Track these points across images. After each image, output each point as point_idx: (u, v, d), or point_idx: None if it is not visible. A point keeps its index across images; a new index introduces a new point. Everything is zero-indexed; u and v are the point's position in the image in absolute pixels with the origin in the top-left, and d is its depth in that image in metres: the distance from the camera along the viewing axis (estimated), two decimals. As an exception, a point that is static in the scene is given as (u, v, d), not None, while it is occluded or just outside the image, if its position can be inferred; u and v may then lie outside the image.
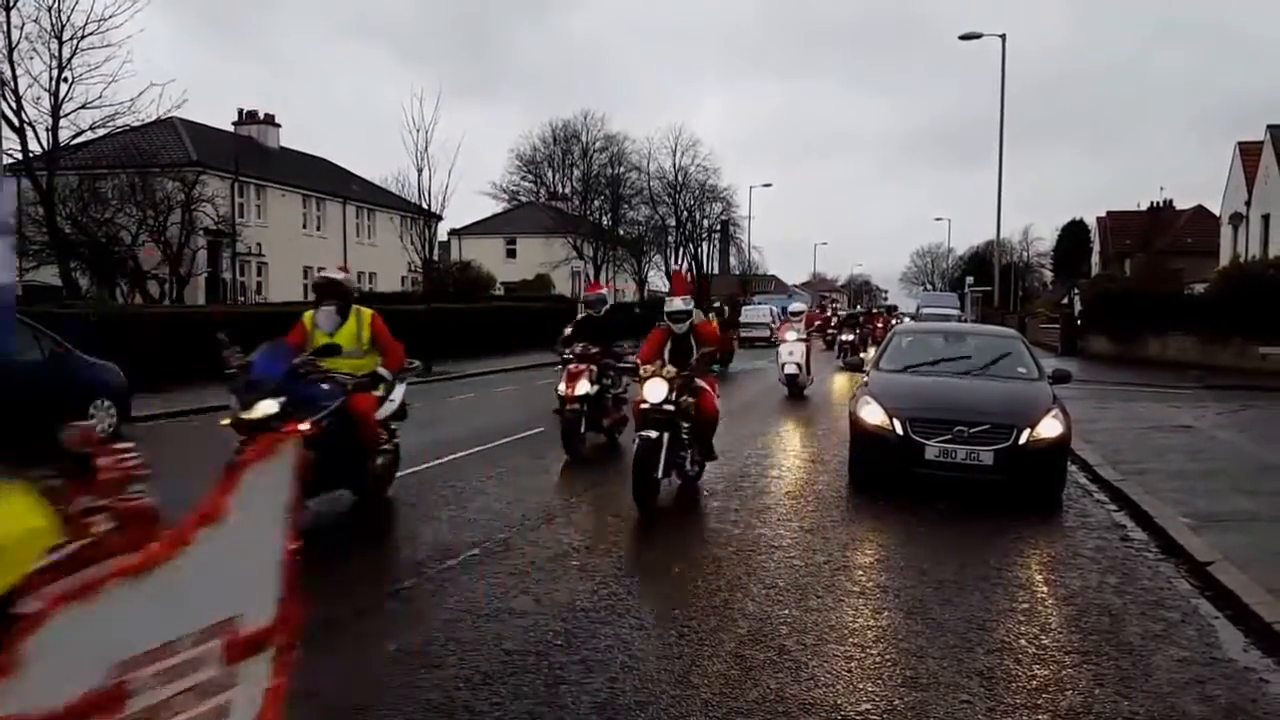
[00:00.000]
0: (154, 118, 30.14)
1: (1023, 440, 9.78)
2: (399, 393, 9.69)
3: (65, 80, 27.62)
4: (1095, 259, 72.13)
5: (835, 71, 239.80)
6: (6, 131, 27.12)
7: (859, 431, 10.66)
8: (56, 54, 27.43)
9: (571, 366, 13.03)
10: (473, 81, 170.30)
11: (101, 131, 29.07)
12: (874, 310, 39.54)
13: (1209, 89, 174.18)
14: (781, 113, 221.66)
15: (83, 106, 28.04)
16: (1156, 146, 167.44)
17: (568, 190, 70.41)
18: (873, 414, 10.41)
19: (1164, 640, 6.04)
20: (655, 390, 9.40)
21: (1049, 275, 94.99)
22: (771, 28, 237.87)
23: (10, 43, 26.41)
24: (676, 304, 10.48)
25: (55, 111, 27.70)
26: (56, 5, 27.28)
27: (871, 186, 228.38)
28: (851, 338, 32.38)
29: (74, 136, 28.65)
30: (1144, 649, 5.87)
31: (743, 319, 51.26)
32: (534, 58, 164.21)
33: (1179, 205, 66.20)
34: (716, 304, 44.54)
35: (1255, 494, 10.34)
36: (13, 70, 26.56)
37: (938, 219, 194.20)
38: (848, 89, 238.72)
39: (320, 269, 47.17)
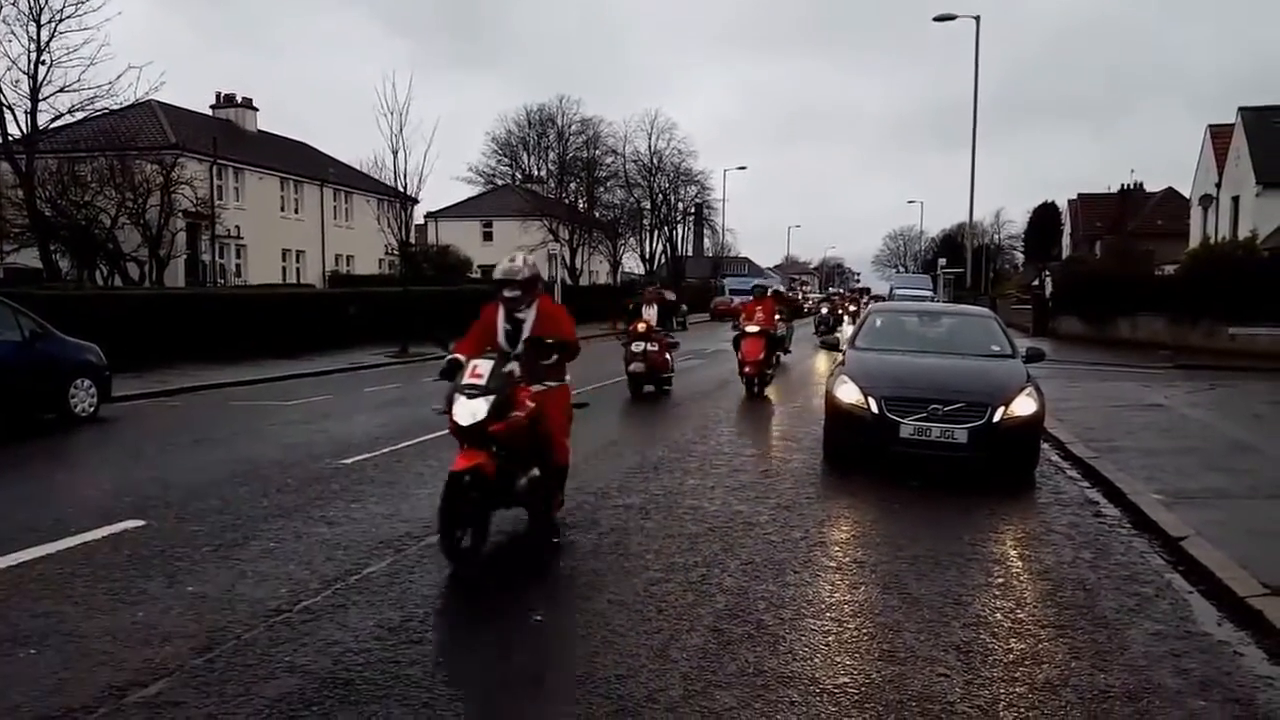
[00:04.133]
0: (132, 101, 30.02)
1: (997, 418, 9.83)
2: None
3: (44, 63, 27.53)
4: (1066, 241, 72.59)
5: (813, 55, 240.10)
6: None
7: (834, 410, 10.70)
8: (35, 37, 27.29)
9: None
10: (462, 52, 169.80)
11: (80, 115, 29.04)
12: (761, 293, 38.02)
13: (1206, 69, 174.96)
14: (759, 96, 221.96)
15: (61, 90, 28.00)
16: (1143, 128, 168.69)
17: (543, 173, 70.27)
18: (848, 393, 10.44)
19: (1138, 614, 6.10)
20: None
21: (1020, 257, 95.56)
22: (757, 9, 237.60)
23: (-11, 27, 26.23)
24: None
25: (34, 95, 27.55)
26: (35, -12, 27.03)
27: (845, 170, 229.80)
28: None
29: (53, 120, 28.58)
30: (1119, 623, 5.92)
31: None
32: (526, 27, 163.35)
33: (1156, 187, 66.57)
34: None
35: (1226, 471, 10.46)
36: (-9, 53, 26.36)
37: (910, 202, 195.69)
38: (825, 73, 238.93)
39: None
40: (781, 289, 26.79)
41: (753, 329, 18.00)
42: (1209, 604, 6.33)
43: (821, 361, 25.14)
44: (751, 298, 20.47)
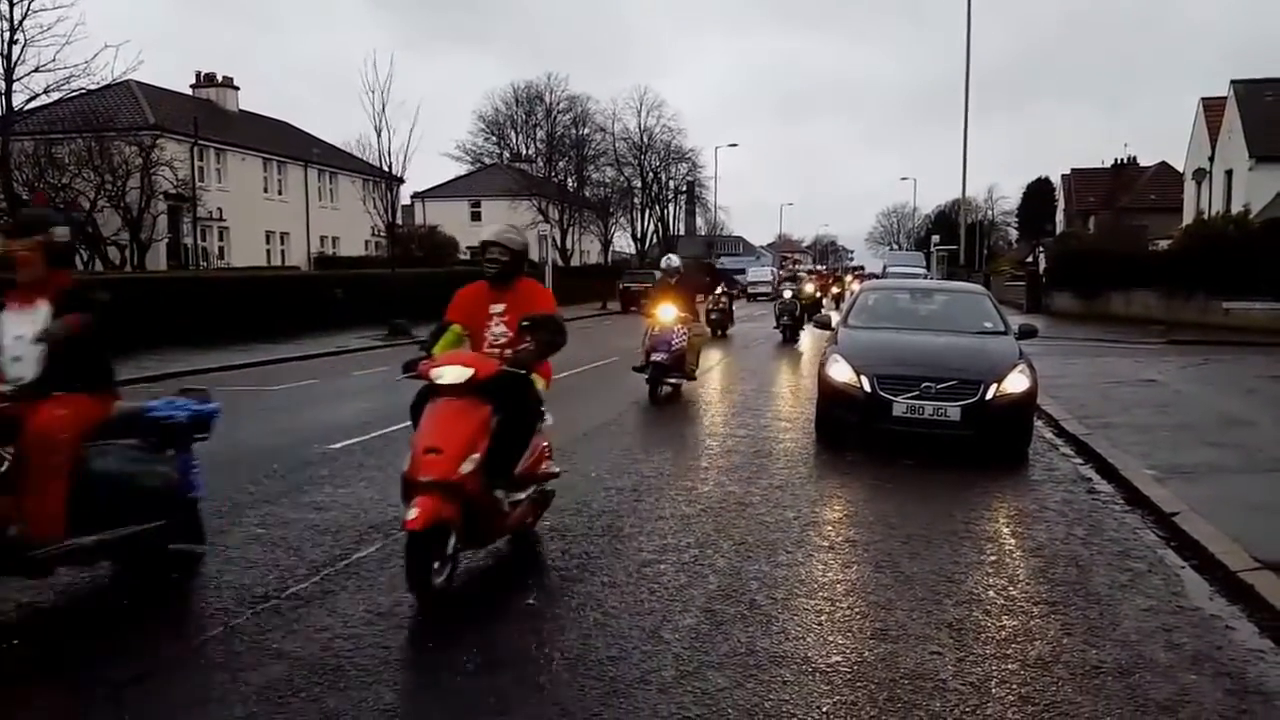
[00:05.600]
0: (109, 80, 29.58)
1: (989, 395, 9.80)
2: None
3: (17, 42, 26.98)
4: (1060, 216, 72.53)
5: (809, 29, 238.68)
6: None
7: (827, 389, 10.66)
8: (7, 15, 26.77)
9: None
10: (452, 23, 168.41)
11: (56, 95, 28.47)
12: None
13: (1209, 40, 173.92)
14: (754, 70, 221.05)
15: (36, 69, 27.44)
16: (1143, 101, 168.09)
17: (531, 152, 69.88)
18: (841, 371, 10.40)
19: (1131, 590, 6.09)
20: None
21: (1014, 233, 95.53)
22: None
23: (-41, 7, 25.81)
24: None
25: (8, 75, 27.03)
26: (5, -34, 26.61)
27: (840, 146, 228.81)
28: None
29: (28, 100, 28.06)
30: (1111, 599, 5.91)
31: (750, 278, 58.97)
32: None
33: (1152, 160, 66.31)
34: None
35: (1219, 446, 10.45)
36: (-37, 34, 25.98)
37: (903, 179, 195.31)
38: (821, 47, 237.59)
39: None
40: (677, 262, 16.71)
41: (451, 377, 6.04)
42: (1201, 579, 6.33)
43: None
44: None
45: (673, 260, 16.11)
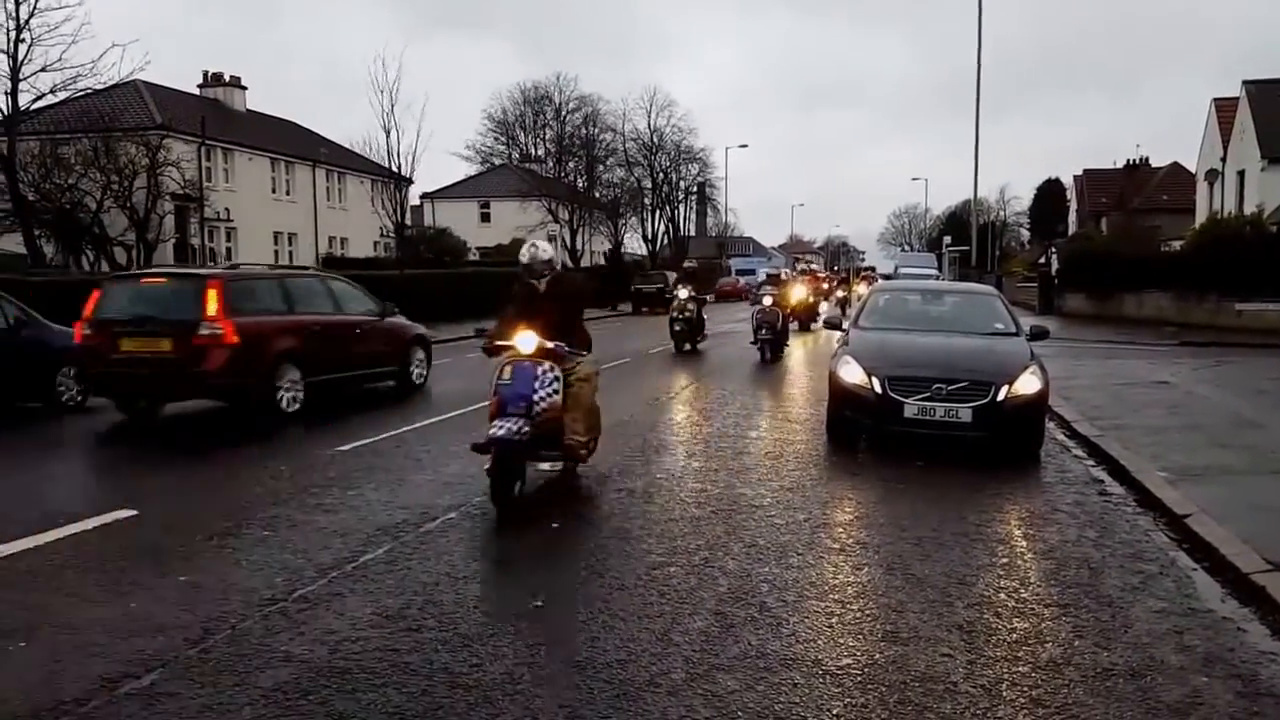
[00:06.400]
0: (116, 80, 29.56)
1: (1001, 397, 9.75)
2: None
3: (23, 41, 27.00)
4: (1072, 217, 72.34)
5: (821, 21, 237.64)
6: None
7: (838, 390, 10.62)
8: (14, 15, 26.80)
9: None
10: (456, 13, 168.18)
11: (63, 95, 28.52)
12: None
13: (1227, 36, 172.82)
14: (762, 66, 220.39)
15: (43, 69, 27.47)
16: (1158, 99, 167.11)
17: (541, 152, 69.91)
18: (851, 373, 10.37)
19: (1142, 592, 6.04)
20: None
21: (1026, 234, 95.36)
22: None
23: (-35, 6, 25.88)
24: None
25: (14, 75, 27.06)
26: (12, -34, 26.65)
27: (852, 146, 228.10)
28: None
29: (34, 100, 28.09)
30: (1123, 601, 5.87)
31: (758, 279, 57.19)
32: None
33: (1164, 161, 66.08)
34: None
35: (1231, 447, 10.39)
36: (-31, 34, 26.05)
37: (915, 179, 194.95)
38: (831, 41, 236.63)
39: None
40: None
41: None
42: (1213, 580, 6.28)
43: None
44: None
45: (540, 251, 8.68)
